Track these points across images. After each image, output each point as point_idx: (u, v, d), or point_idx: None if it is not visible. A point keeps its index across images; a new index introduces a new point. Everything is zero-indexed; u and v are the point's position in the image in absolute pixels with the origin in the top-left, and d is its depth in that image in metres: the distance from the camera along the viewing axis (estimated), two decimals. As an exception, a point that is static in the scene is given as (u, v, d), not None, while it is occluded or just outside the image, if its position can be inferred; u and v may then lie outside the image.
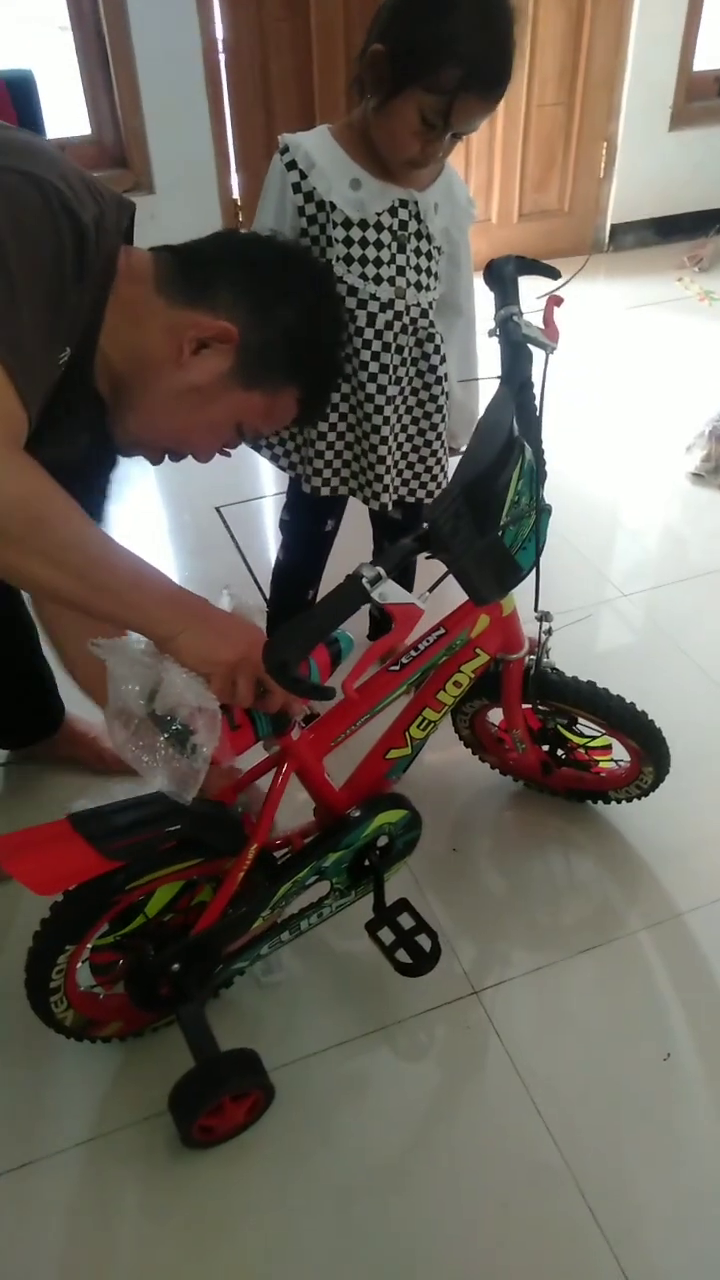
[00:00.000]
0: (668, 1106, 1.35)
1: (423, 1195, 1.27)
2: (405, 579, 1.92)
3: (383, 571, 0.99)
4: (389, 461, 1.62)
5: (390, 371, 1.54)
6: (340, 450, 1.64)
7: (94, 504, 1.31)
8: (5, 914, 1.59)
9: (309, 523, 1.83)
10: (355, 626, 1.09)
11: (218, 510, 2.63)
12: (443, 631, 1.32)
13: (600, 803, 1.73)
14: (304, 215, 1.45)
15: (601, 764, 1.66)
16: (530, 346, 1.21)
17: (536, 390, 1.21)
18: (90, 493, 1.29)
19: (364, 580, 0.98)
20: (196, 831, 1.20)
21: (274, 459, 1.72)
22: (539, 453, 1.22)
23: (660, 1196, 1.27)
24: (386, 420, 1.58)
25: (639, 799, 1.67)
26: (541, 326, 1.23)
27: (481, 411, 1.14)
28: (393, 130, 1.33)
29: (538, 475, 1.19)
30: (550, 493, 1.23)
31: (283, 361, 1.13)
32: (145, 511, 2.70)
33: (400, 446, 1.65)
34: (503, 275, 1.25)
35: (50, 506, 0.94)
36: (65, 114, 3.84)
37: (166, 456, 1.21)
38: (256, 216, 1.53)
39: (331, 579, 1.84)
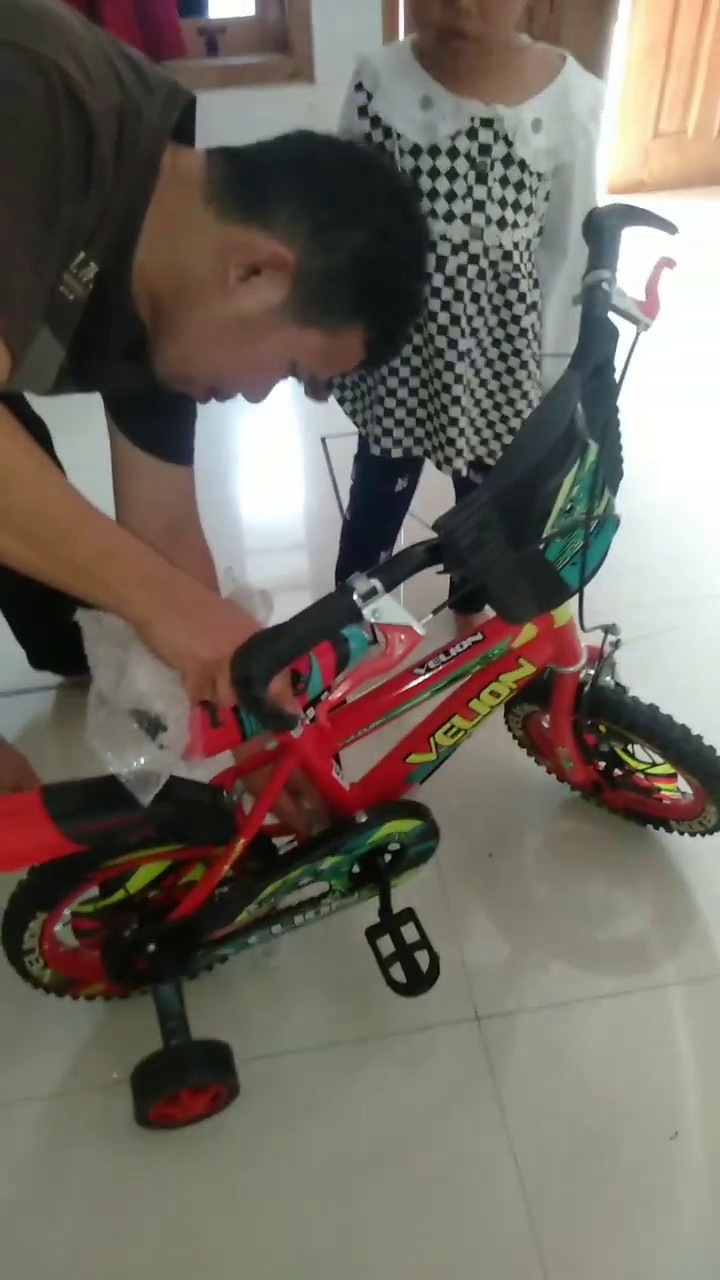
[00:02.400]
0: (663, 1190, 1.21)
1: (371, 1230, 1.20)
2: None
3: (379, 586, 0.85)
4: (462, 423, 1.45)
5: (463, 323, 1.35)
6: (413, 408, 1.48)
7: (170, 438, 1.18)
8: None
9: (377, 483, 1.68)
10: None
11: (323, 440, 2.51)
12: (479, 638, 1.16)
13: (661, 829, 1.55)
14: (371, 143, 1.26)
15: (664, 791, 1.48)
16: (619, 321, 1.00)
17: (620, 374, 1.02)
18: (166, 427, 1.17)
19: (355, 595, 0.85)
20: (176, 821, 1.13)
21: (351, 414, 1.57)
22: (614, 450, 1.03)
23: None
24: (459, 378, 1.39)
25: (702, 836, 1.48)
26: (640, 298, 1.02)
27: None
28: None
29: (603, 479, 1.00)
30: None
31: (347, 295, 0.95)
32: (251, 435, 2.62)
33: (479, 403, 1.47)
34: (602, 229, 1.03)
35: (14, 467, 0.82)
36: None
37: (213, 396, 1.07)
38: None
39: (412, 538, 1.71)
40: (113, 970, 1.25)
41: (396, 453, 1.51)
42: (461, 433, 1.44)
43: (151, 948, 1.22)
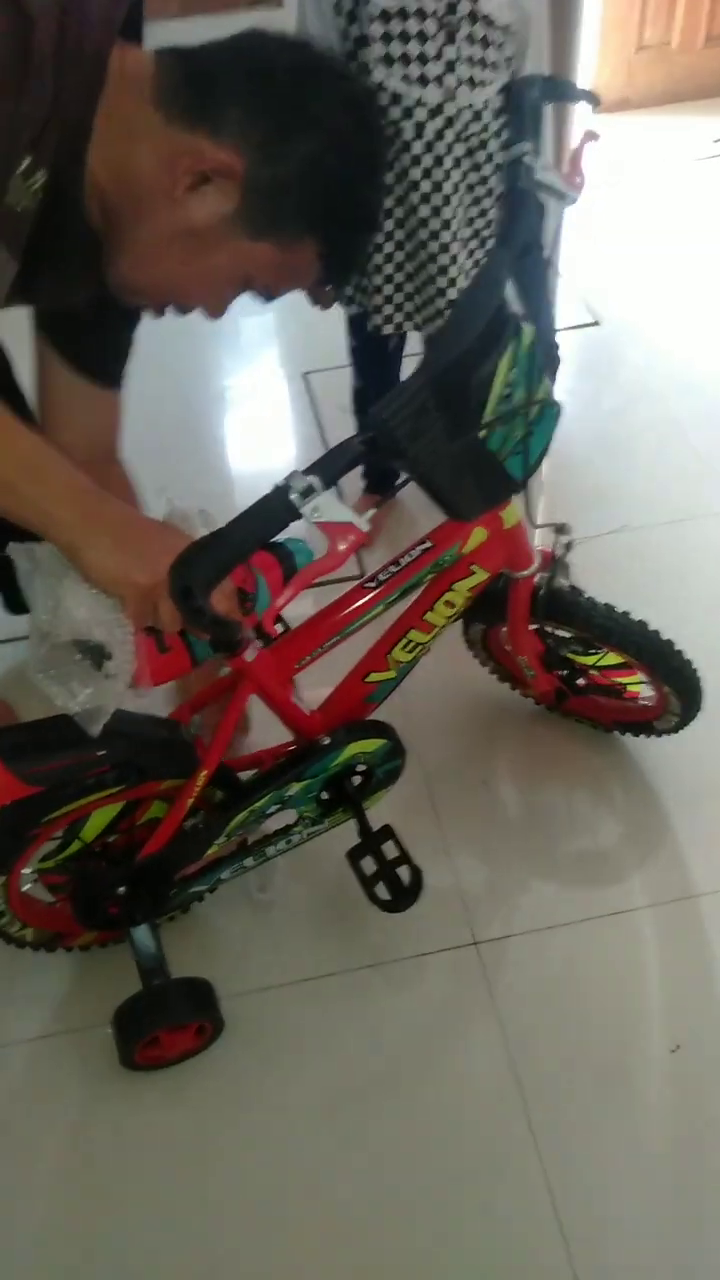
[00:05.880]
0: (668, 1101, 1.22)
1: (373, 1156, 1.19)
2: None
3: (316, 483, 0.82)
4: (451, 294, 1.46)
5: (445, 189, 1.37)
6: (400, 282, 1.48)
7: (108, 362, 1.13)
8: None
9: (372, 346, 1.71)
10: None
11: (305, 376, 2.44)
12: (429, 545, 1.14)
13: (628, 734, 1.55)
14: (341, 13, 1.28)
15: (629, 687, 1.46)
16: (543, 197, 0.97)
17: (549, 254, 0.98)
18: (104, 349, 1.13)
19: (292, 493, 0.82)
20: (135, 756, 1.10)
21: (344, 300, 1.59)
22: (548, 333, 1.00)
23: (634, 1207, 1.14)
24: (445, 247, 1.41)
25: (668, 735, 1.48)
26: (562, 171, 0.98)
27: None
28: None
29: (541, 362, 0.97)
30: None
31: (299, 207, 0.90)
32: (228, 370, 2.55)
33: (470, 270, 1.48)
34: (522, 103, 0.99)
35: None
36: None
37: (168, 309, 1.01)
38: (296, 23, 1.35)
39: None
40: (83, 917, 1.22)
41: (388, 329, 1.52)
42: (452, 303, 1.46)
43: (121, 890, 1.20)
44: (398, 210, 1.40)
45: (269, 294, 0.98)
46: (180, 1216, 1.16)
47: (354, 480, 1.92)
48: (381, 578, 1.14)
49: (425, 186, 1.36)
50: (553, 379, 1.01)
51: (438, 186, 1.36)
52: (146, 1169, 1.20)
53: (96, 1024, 1.28)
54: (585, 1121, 1.20)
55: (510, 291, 0.93)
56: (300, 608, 1.03)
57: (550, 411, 1.00)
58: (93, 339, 1.10)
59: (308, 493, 0.82)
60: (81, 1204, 1.18)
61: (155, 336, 1.13)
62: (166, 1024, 1.19)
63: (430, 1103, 1.23)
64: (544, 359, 0.97)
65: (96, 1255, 1.14)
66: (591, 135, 1.01)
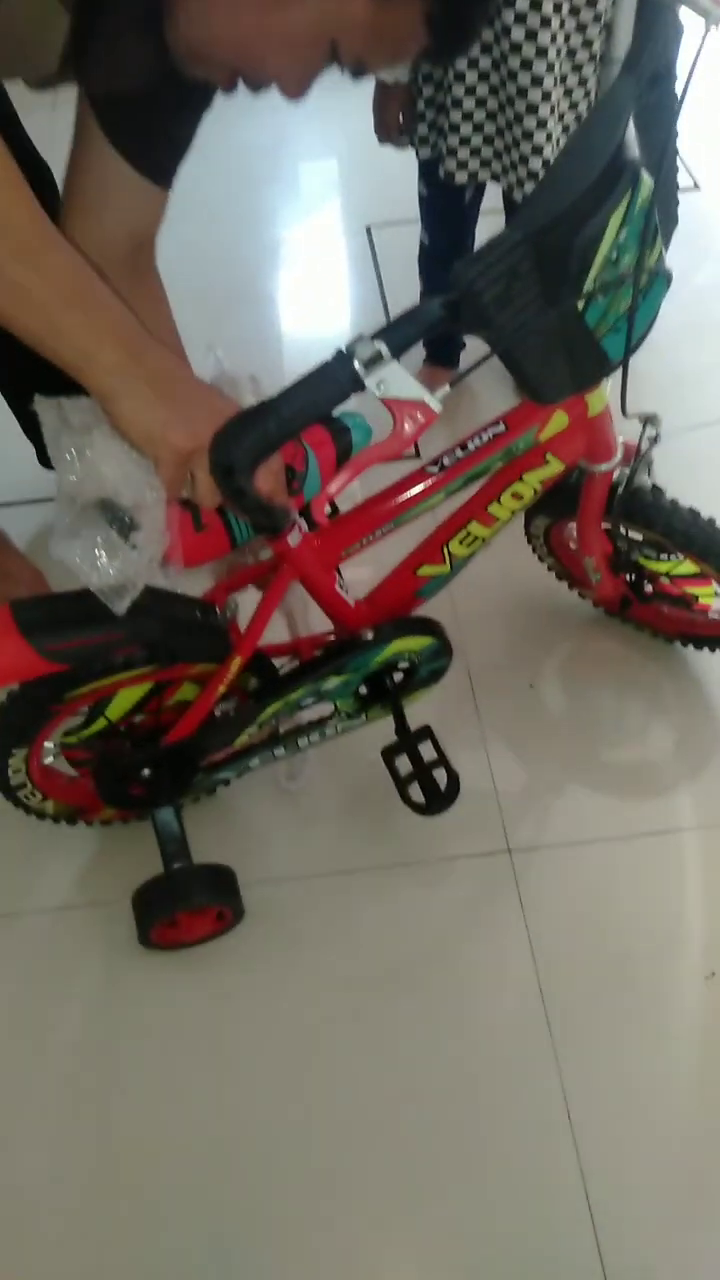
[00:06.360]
0: (698, 1026, 1.18)
1: (388, 1054, 1.18)
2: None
3: (384, 350, 0.71)
4: (539, 138, 1.26)
5: (545, 8, 1.16)
6: (480, 122, 1.30)
7: (163, 155, 0.96)
8: None
9: (445, 197, 1.53)
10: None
11: (368, 230, 2.27)
12: (502, 429, 1.01)
13: (691, 646, 1.45)
14: None
15: (701, 598, 1.36)
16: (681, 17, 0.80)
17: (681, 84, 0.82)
18: (159, 139, 0.95)
19: (356, 362, 0.71)
20: (164, 637, 1.02)
21: (410, 140, 1.41)
22: (668, 187, 0.85)
23: (654, 1129, 1.11)
24: (537, 80, 1.21)
25: (737, 651, 1.38)
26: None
27: None
28: None
29: (656, 222, 0.82)
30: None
31: None
32: (283, 220, 2.37)
33: (562, 118, 1.28)
34: None
35: None
36: None
37: (241, 84, 0.83)
38: None
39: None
40: (106, 796, 1.18)
41: (461, 177, 1.35)
42: (538, 150, 1.26)
43: (146, 772, 1.15)
44: (486, 33, 1.20)
45: (358, 67, 0.80)
46: (192, 1096, 1.16)
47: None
48: (445, 462, 1.03)
49: (521, 4, 1.16)
50: (667, 243, 0.87)
51: (535, 4, 1.16)
52: (161, 1045, 1.19)
53: (119, 898, 1.26)
54: (610, 1040, 1.17)
55: (631, 132, 0.78)
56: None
57: (659, 282, 0.87)
58: (148, 128, 0.93)
59: (374, 361, 0.71)
60: (96, 1076, 1.18)
61: (206, 179, 0.97)
62: (186, 907, 1.17)
63: (451, 1007, 1.21)
64: (660, 216, 0.83)
65: (107, 1129, 1.14)
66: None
